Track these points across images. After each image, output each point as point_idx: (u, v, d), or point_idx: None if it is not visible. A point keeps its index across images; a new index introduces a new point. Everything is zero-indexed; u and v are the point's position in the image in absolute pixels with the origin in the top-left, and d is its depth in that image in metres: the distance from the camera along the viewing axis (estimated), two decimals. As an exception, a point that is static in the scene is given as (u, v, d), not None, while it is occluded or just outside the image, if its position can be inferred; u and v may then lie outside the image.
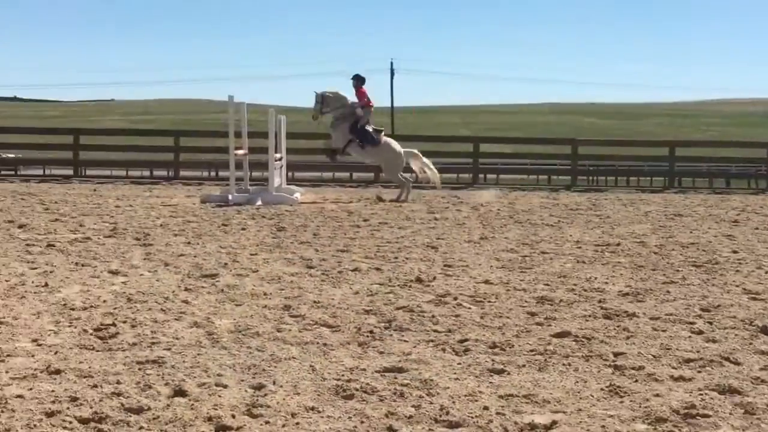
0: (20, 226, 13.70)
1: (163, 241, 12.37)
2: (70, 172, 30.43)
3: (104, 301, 8.10)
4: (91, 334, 6.84)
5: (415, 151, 22.46)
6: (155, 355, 6.23)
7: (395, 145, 22.03)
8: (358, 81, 21.77)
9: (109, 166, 37.46)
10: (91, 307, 7.84)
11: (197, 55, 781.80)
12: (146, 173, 38.19)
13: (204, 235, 13.18)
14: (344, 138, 21.50)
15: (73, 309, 7.73)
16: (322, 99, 21.49)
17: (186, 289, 8.79)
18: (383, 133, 22.08)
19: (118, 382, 5.52)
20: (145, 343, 6.60)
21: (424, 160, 22.23)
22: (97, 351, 6.37)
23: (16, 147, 36.49)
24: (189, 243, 12.23)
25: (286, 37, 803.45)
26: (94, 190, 22.77)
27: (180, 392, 5.35)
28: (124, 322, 7.25)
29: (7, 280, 9.06)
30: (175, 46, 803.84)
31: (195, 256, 10.97)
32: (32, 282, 9.01)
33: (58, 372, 5.72)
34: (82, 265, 10.14)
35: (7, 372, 5.72)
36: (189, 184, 26.34)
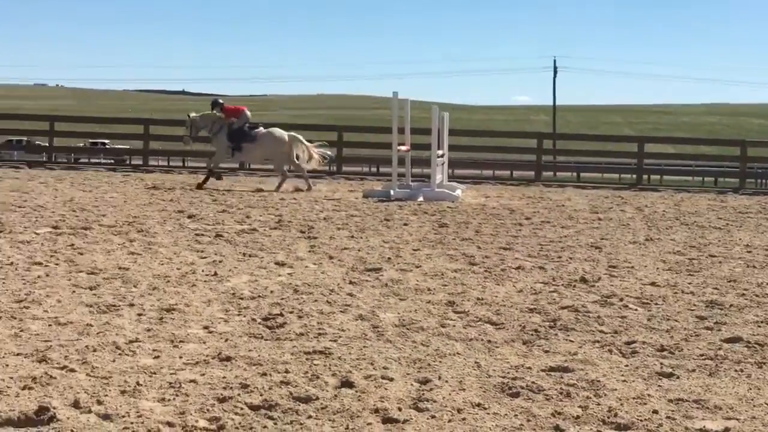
0: (190, 217, 14.09)
1: (327, 234, 12.54)
2: (236, 165, 31.14)
3: (271, 292, 8.25)
4: (259, 323, 6.98)
5: (298, 136, 22.15)
6: (322, 345, 6.31)
7: (277, 132, 22.04)
8: (218, 106, 22.31)
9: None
10: (259, 296, 8.00)
11: (359, 52, 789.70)
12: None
13: (367, 229, 13.31)
14: (225, 150, 21.88)
15: (241, 298, 7.90)
16: (191, 123, 22.12)
17: (351, 282, 8.88)
18: (260, 127, 22.23)
19: (287, 371, 5.61)
20: (312, 333, 6.69)
21: (306, 144, 21.93)
22: (266, 340, 6.49)
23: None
24: (352, 237, 12.37)
25: (449, 34, 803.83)
26: (260, 183, 23.22)
27: (347, 383, 5.40)
28: (291, 312, 7.37)
29: (178, 269, 9.33)
30: (337, 42, 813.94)
31: (359, 250, 11.07)
32: (202, 271, 9.25)
33: (228, 359, 5.85)
34: (250, 256, 10.36)
35: (180, 357, 5.88)
36: (351, 179, 26.62)
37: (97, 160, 37.61)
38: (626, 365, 6.11)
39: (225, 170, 24.86)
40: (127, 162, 39.36)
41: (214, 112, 22.19)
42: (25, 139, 51.53)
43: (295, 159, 21.84)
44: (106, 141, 50.29)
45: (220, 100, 22.99)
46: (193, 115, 22.45)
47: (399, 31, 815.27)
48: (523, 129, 74.24)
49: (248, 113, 22.19)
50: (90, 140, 49.14)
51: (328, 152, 23.53)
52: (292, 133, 22.16)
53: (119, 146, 48.01)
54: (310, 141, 22.03)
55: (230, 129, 21.71)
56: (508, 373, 5.80)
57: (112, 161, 37.38)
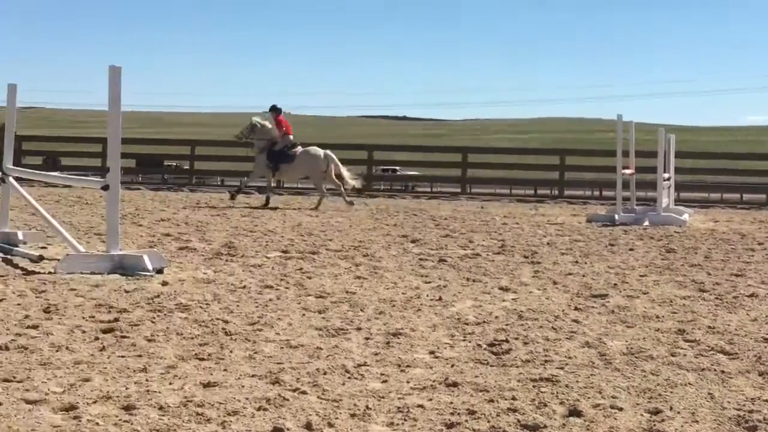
0: (413, 241, 14.26)
1: (551, 259, 12.44)
2: (458, 189, 31.32)
3: (496, 317, 8.24)
4: (485, 349, 6.97)
5: (331, 154, 23.41)
6: (548, 373, 6.24)
7: (313, 151, 23.46)
8: (275, 111, 23.77)
9: (494, 183, 38.24)
10: (484, 322, 8.00)
11: (583, 74, 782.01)
12: (530, 191, 38.59)
13: (591, 254, 13.12)
14: (262, 169, 23.52)
15: (466, 323, 7.92)
16: (252, 127, 23.51)
17: (576, 309, 8.77)
18: (298, 147, 23.52)
19: (514, 398, 5.58)
20: (538, 360, 6.63)
21: (338, 163, 23.30)
22: (492, 366, 6.48)
23: (405, 164, 38.03)
24: (576, 262, 12.22)
25: (675, 54, 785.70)
26: (482, 207, 23.30)
27: (575, 412, 5.32)
28: (517, 338, 7.33)
29: (403, 293, 9.45)
30: (556, 64, 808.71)
31: (583, 276, 10.93)
32: (427, 295, 9.34)
33: (455, 384, 5.87)
34: (473, 281, 10.39)
35: (408, 382, 5.94)
36: (573, 203, 26.35)
37: (388, 187, 38.24)
38: None
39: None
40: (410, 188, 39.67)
41: (268, 117, 23.93)
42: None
43: (333, 177, 23.04)
44: (397, 168, 50.26)
45: (278, 106, 23.97)
46: (256, 119, 23.70)
47: (620, 52, 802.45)
48: (754, 150, 71.55)
49: (291, 137, 23.54)
50: (382, 167, 49.79)
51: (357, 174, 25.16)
52: (328, 152, 23.31)
53: (409, 173, 47.96)
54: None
55: (271, 150, 23.07)
56: (744, 405, 5.58)
57: (402, 187, 37.79)
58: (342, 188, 23.02)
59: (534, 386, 5.90)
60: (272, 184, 25.10)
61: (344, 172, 23.32)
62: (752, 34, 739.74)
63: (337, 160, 23.21)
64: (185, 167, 38.75)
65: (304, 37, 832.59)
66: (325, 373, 6.08)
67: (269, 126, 23.67)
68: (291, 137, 23.44)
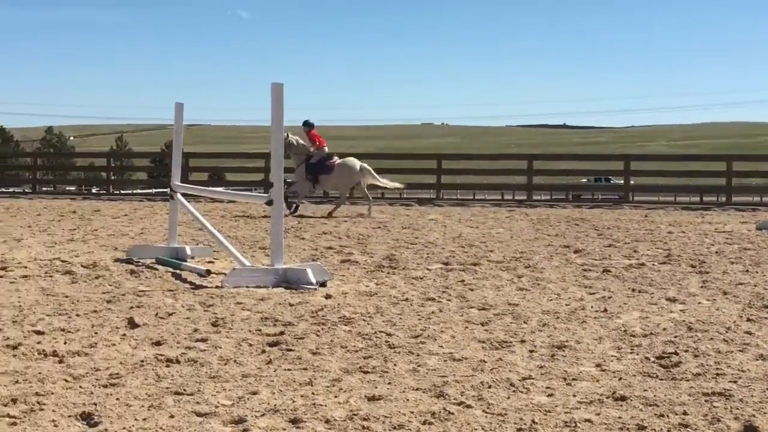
0: (576, 251, 14.06)
1: (720, 268, 12.06)
2: (618, 197, 30.79)
3: (664, 329, 8.02)
4: (653, 362, 6.79)
5: (367, 166, 24.42)
6: (721, 387, 6.03)
7: (350, 162, 24.47)
8: (308, 126, 24.66)
9: (658, 191, 37.46)
10: (651, 334, 7.81)
11: (746, 78, 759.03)
12: (695, 199, 37.61)
13: (762, 263, 12.68)
14: (303, 182, 24.43)
15: (633, 336, 7.74)
16: (288, 145, 23.29)
17: (748, 320, 8.47)
18: (335, 158, 24.57)
19: (685, 413, 5.40)
20: (709, 373, 6.42)
21: (375, 175, 24.44)
22: (661, 379, 6.30)
23: (567, 173, 37.57)
24: (747, 271, 11.82)
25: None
26: (645, 215, 22.81)
27: (751, 428, 5.12)
28: (686, 351, 7.12)
29: (567, 305, 9.31)
30: (721, 68, 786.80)
31: (755, 285, 10.56)
32: (591, 307, 9.17)
33: (623, 398, 5.73)
34: (639, 292, 10.16)
35: (574, 396, 5.83)
36: (741, 210, 25.55)
37: (601, 196, 37.93)
38: None
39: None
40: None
41: (303, 130, 24.69)
42: None
43: (365, 188, 24.26)
44: (611, 177, 49.37)
45: (311, 121, 24.82)
46: (291, 137, 24.10)
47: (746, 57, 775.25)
48: None
49: (326, 149, 24.55)
50: (593, 177, 49.28)
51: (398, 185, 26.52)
52: (364, 164, 24.34)
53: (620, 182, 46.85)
54: None
55: (308, 163, 24.04)
56: None
57: (617, 197, 37.42)
58: (369, 200, 24.66)
59: (706, 401, 5.71)
60: (306, 194, 26.16)
61: (381, 181, 24.83)
62: None
63: (373, 172, 24.46)
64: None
65: (459, 46, 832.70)
66: (489, 387, 6.02)
67: (302, 142, 24.65)
68: (326, 149, 24.53)
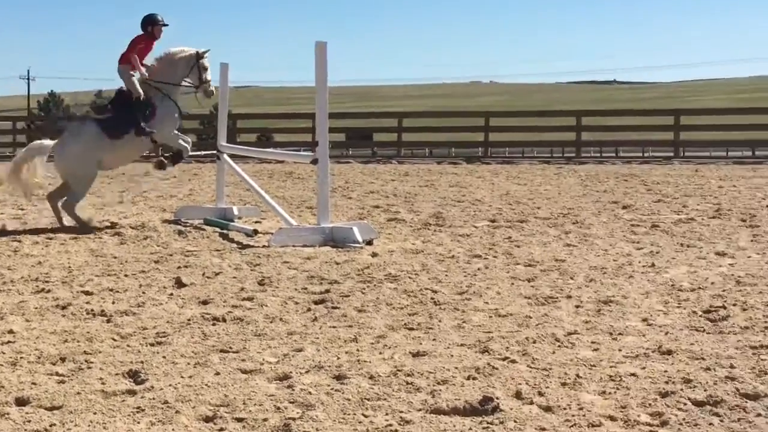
0: (624, 207, 13.95)
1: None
2: (671, 153, 30.45)
3: (712, 283, 7.95)
4: (700, 316, 6.74)
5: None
6: (769, 340, 5.98)
7: None
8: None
9: (709, 146, 37.03)
10: (699, 288, 7.74)
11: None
12: (747, 153, 37.11)
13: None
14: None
15: (680, 290, 7.68)
16: None
17: (799, 273, 8.37)
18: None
19: (732, 366, 5.36)
20: (758, 327, 6.36)
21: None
22: (708, 333, 6.25)
23: (614, 129, 37.19)
24: (795, 225, 11.67)
25: None
26: (696, 170, 22.56)
27: (799, 381, 5.07)
28: (734, 304, 7.05)
29: (614, 260, 9.25)
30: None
31: (806, 239, 10.43)
32: (639, 262, 9.11)
33: (669, 352, 5.69)
34: (688, 246, 10.07)
35: (620, 350, 5.80)
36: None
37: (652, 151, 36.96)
38: None
39: None
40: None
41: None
42: None
43: None
44: None
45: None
46: None
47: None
48: None
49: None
50: None
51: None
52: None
53: None
54: None
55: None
56: None
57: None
58: None
59: (754, 354, 5.66)
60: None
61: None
62: None
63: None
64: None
65: (504, 2, 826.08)
66: (534, 342, 6.01)
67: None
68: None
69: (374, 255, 9.68)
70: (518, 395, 4.88)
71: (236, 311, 6.97)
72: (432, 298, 7.42)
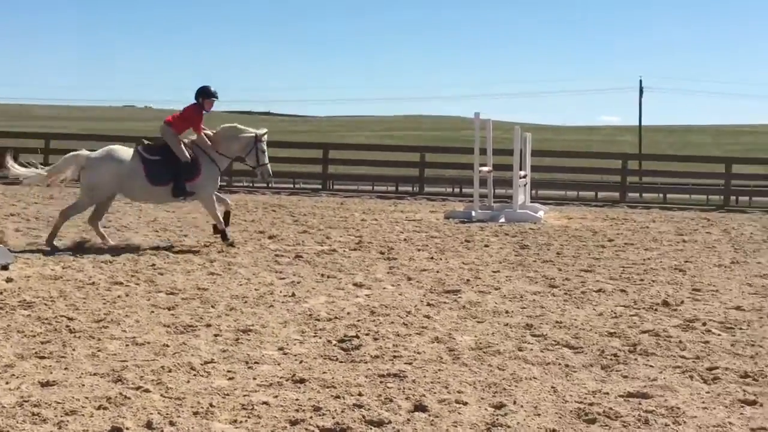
0: (270, 237, 14.15)
1: (407, 255, 12.49)
2: (319, 185, 31.27)
3: (348, 313, 8.23)
4: (334, 345, 6.95)
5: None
6: (396, 368, 6.25)
7: None
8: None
9: (356, 180, 38.32)
10: (336, 318, 7.98)
11: (445, 73, 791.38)
12: (392, 188, 38.79)
13: (447, 250, 13.23)
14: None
15: (318, 319, 7.89)
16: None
17: (428, 304, 8.82)
18: None
19: (360, 394, 5.57)
20: (387, 356, 6.64)
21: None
22: (341, 362, 6.46)
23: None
24: (432, 258, 12.30)
25: (530, 53, 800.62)
26: (341, 203, 23.29)
27: (420, 407, 5.34)
28: (367, 334, 7.33)
29: (256, 289, 9.36)
30: (419, 64, 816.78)
31: (437, 272, 11.01)
32: (280, 291, 9.27)
33: (302, 381, 5.83)
34: (328, 277, 10.36)
35: (254, 379, 5.88)
36: (433, 200, 26.53)
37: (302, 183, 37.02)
38: (707, 392, 5.96)
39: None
40: None
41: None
42: None
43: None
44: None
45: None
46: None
47: (481, 50, 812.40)
48: (609, 150, 73.08)
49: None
50: None
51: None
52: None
53: None
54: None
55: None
56: (585, 398, 5.69)
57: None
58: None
59: (381, 382, 5.91)
60: None
61: None
62: (609, 36, 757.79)
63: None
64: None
65: (166, 24, 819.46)
66: (170, 371, 5.97)
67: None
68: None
69: (9, 280, 9.26)
70: (149, 425, 4.82)
71: None
72: (67, 326, 7.20)
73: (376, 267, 11.28)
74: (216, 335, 7.16)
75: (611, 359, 6.77)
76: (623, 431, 5.07)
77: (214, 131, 13.26)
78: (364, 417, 5.11)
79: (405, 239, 14.54)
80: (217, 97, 13.20)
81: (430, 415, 5.21)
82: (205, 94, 13.06)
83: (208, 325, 7.49)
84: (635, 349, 7.09)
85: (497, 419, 5.16)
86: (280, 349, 6.78)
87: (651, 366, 6.62)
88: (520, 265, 11.81)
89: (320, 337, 7.20)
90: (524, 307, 8.81)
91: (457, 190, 37.30)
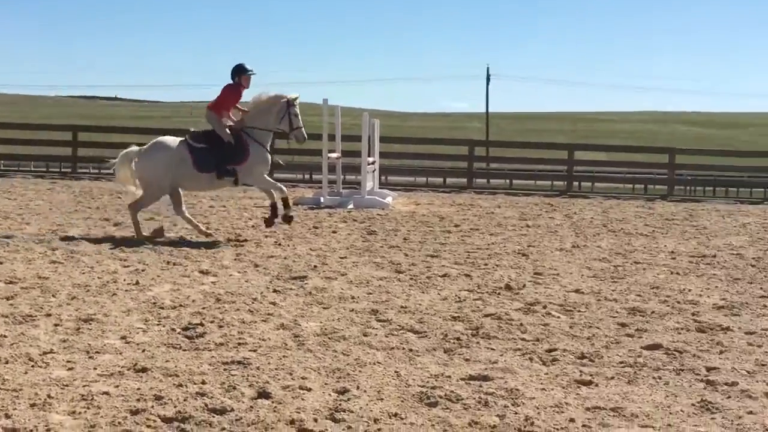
0: (116, 224, 13.91)
1: (254, 241, 12.44)
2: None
3: (193, 301, 8.16)
4: (179, 333, 6.89)
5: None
6: (241, 356, 6.24)
7: None
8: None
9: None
10: (181, 306, 7.91)
11: (287, 59, 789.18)
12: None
13: (294, 237, 13.23)
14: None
15: (162, 307, 7.80)
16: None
17: (275, 291, 8.82)
18: None
19: (203, 382, 5.54)
20: (231, 343, 6.62)
21: None
22: (184, 350, 6.41)
23: (117, 147, 36.95)
24: (279, 244, 12.29)
25: (379, 41, 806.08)
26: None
27: (264, 394, 5.35)
28: (212, 322, 7.29)
29: (99, 278, 9.19)
30: (266, 50, 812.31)
31: (285, 258, 11.01)
32: (124, 279, 9.12)
33: (144, 370, 5.77)
34: (174, 264, 10.24)
35: (95, 369, 5.78)
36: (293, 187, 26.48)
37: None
38: (546, 373, 6.13)
39: None
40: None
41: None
42: None
43: None
44: None
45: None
46: None
47: (327, 39, 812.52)
48: (456, 136, 74.33)
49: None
50: None
51: None
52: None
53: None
54: None
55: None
56: (428, 382, 5.78)
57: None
58: None
59: (225, 369, 5.89)
60: None
61: None
62: (458, 24, 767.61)
63: None
64: None
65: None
66: (7, 363, 5.83)
67: None
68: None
69: None
70: (-18, 419, 4.70)
71: None
72: None
73: (223, 254, 11.21)
74: (56, 325, 7.01)
75: (454, 343, 6.90)
76: (464, 413, 5.17)
77: (246, 110, 13.24)
78: (206, 405, 5.09)
79: (253, 226, 14.48)
80: (254, 72, 13.19)
81: (273, 402, 5.21)
82: (241, 71, 13.05)
83: (48, 315, 7.32)
84: (478, 333, 7.24)
85: (340, 404, 5.21)
86: (123, 338, 6.68)
87: (492, 349, 6.77)
88: (367, 251, 11.91)
89: (164, 326, 7.13)
90: (370, 293, 8.89)
91: (307, 176, 37.29)
